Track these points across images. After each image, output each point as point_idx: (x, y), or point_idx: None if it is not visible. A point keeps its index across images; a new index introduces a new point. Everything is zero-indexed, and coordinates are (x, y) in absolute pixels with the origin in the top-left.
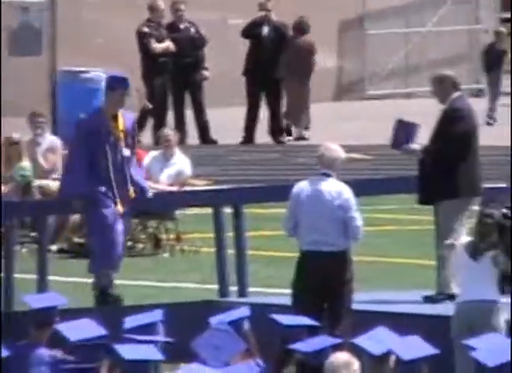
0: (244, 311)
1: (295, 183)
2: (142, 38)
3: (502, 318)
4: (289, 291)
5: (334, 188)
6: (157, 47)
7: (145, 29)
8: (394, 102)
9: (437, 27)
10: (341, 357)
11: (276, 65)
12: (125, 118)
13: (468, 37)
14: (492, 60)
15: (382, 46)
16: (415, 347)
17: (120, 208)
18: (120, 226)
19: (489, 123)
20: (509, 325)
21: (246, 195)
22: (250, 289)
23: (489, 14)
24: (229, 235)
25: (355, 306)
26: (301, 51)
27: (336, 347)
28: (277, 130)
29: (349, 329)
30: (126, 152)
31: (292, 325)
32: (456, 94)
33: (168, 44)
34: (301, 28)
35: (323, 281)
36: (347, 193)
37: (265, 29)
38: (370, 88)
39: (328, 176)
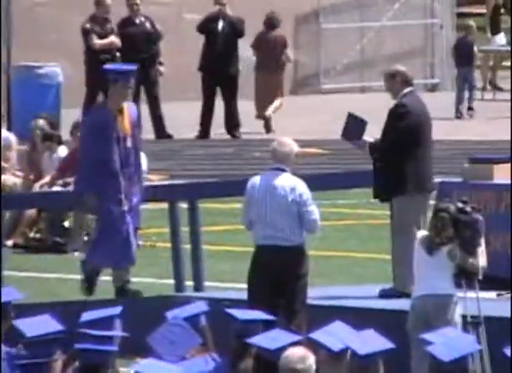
0: (201, 306)
1: (250, 177)
2: (84, 34)
3: (458, 312)
4: (244, 285)
5: (288, 183)
6: (97, 43)
7: (87, 26)
8: (350, 96)
9: (392, 21)
10: (297, 351)
11: (232, 60)
12: (130, 110)
13: (424, 32)
14: (463, 54)
15: (337, 40)
16: (370, 342)
17: (125, 204)
18: (129, 220)
19: (458, 117)
20: (465, 319)
21: (201, 190)
22: (206, 284)
23: (445, 8)
24: (185, 229)
25: (312, 301)
26: (272, 46)
27: (293, 342)
28: (232, 125)
29: (304, 323)
30: (129, 146)
31: (248, 319)
32: (407, 89)
33: (111, 40)
34: (272, 23)
35: (278, 276)
36: (301, 187)
37: (220, 24)
38: (326, 82)
39: (282, 170)
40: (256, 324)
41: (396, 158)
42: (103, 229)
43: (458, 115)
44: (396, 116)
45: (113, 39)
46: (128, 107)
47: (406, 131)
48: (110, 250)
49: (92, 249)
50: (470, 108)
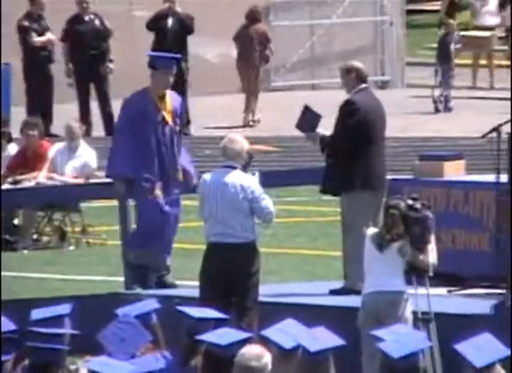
0: (152, 304)
1: (201, 175)
2: (22, 32)
3: (408, 308)
4: (195, 282)
5: (238, 180)
6: (37, 40)
7: (25, 23)
8: (300, 93)
9: (342, 19)
10: (252, 349)
11: (182, 57)
12: (173, 98)
13: (374, 29)
14: (443, 51)
15: (287, 38)
16: (321, 339)
17: (158, 192)
18: (165, 209)
19: (437, 110)
20: (415, 316)
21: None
22: None
23: (395, 6)
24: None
25: (264, 298)
26: (254, 40)
27: (246, 340)
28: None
29: (256, 321)
30: (167, 135)
31: (202, 317)
32: (360, 86)
33: (49, 37)
34: (254, 16)
35: (229, 273)
36: (252, 184)
37: (170, 21)
38: (276, 79)
39: (233, 168)
40: (208, 322)
41: (344, 155)
42: (139, 218)
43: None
44: (345, 112)
45: (50, 36)
46: (171, 95)
47: (354, 128)
48: (146, 240)
49: (131, 239)
50: (446, 107)
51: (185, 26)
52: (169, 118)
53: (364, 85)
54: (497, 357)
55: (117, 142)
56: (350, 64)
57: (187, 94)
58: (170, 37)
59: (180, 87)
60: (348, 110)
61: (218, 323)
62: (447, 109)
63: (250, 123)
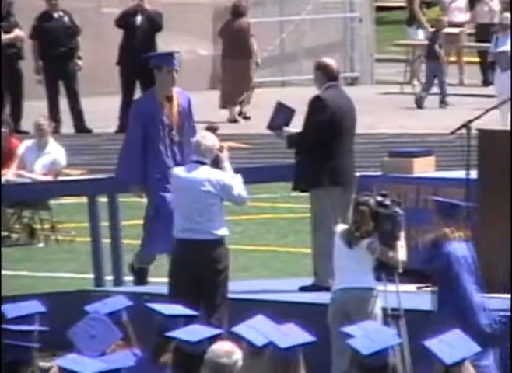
0: (122, 301)
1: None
2: None
3: (378, 305)
4: (165, 279)
5: (208, 176)
6: (5, 37)
7: None
8: (270, 90)
9: (312, 15)
10: (222, 346)
11: (149, 49)
12: (181, 97)
13: (343, 26)
14: (432, 49)
15: (257, 34)
16: (291, 335)
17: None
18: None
19: (419, 107)
20: (385, 312)
21: (121, 184)
22: (126, 278)
23: (364, 2)
24: (105, 224)
25: (234, 295)
26: (238, 34)
27: (216, 336)
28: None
29: (225, 317)
30: (176, 137)
31: (171, 314)
32: (330, 83)
33: (17, 34)
34: (239, 11)
35: (198, 270)
36: (220, 177)
37: (138, 18)
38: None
39: (203, 163)
40: (178, 319)
41: (312, 151)
42: (151, 219)
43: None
44: (312, 109)
45: (19, 32)
46: (179, 95)
47: (322, 124)
48: (163, 237)
49: (148, 240)
50: (443, 102)
51: (154, 23)
52: (176, 118)
53: (333, 83)
54: (467, 353)
55: (126, 145)
56: (321, 61)
57: None
58: (139, 34)
59: (151, 84)
60: (315, 107)
61: (187, 320)
62: (444, 104)
63: (238, 118)
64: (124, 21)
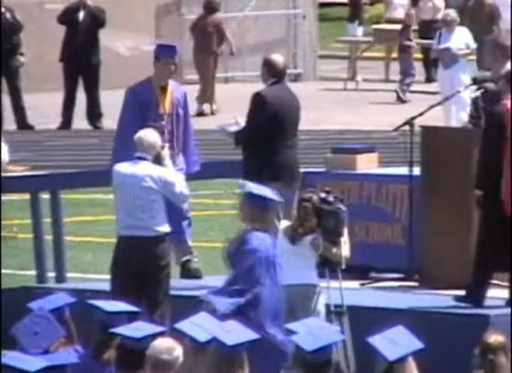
0: (65, 298)
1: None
2: None
3: (321, 301)
4: (107, 276)
5: (149, 172)
6: None
7: None
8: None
9: (255, 12)
10: (163, 342)
11: (93, 50)
12: (175, 90)
13: (286, 22)
14: (403, 43)
15: None
16: (236, 332)
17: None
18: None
19: (401, 100)
20: (328, 309)
21: (63, 181)
22: (69, 275)
23: None
24: (47, 220)
25: (176, 291)
26: (210, 29)
27: (160, 333)
28: (95, 116)
29: (168, 314)
30: (168, 126)
31: (114, 311)
32: (274, 79)
33: None
34: (212, 6)
35: (140, 266)
36: (162, 173)
37: (81, 14)
38: (189, 72)
39: (145, 159)
40: (121, 315)
41: (253, 147)
42: None
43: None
44: (252, 105)
45: None
46: (174, 86)
47: (262, 121)
48: None
49: None
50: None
51: (96, 19)
52: (168, 108)
53: (278, 79)
54: (410, 350)
55: (118, 131)
56: (267, 57)
57: (98, 87)
58: (82, 30)
59: (94, 80)
60: (255, 103)
61: (130, 316)
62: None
63: (211, 113)
64: (67, 17)
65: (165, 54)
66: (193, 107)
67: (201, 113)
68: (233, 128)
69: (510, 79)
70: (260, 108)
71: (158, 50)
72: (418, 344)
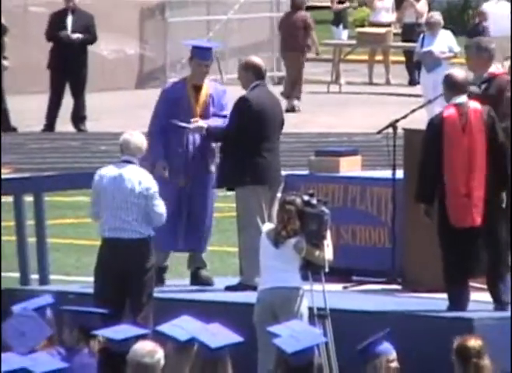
0: (47, 299)
1: (96, 170)
2: None
3: (304, 304)
4: (90, 278)
5: (135, 175)
6: None
7: None
8: None
9: (239, 15)
10: (145, 345)
11: (82, 56)
12: (212, 89)
13: (270, 25)
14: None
15: (183, 33)
16: (219, 335)
17: (181, 183)
18: (185, 204)
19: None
20: (311, 311)
21: (47, 183)
22: (52, 277)
23: (290, 2)
24: (31, 223)
25: (159, 294)
26: (296, 27)
27: (140, 335)
28: (79, 119)
29: (151, 316)
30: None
31: (87, 311)
32: (256, 82)
33: None
34: (298, 4)
35: (124, 269)
36: (148, 180)
37: (69, 20)
38: (172, 76)
39: (130, 162)
40: (97, 317)
41: (235, 150)
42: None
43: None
44: (237, 109)
45: None
46: (210, 86)
47: (246, 125)
48: (170, 232)
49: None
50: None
51: (86, 26)
52: (200, 109)
53: (258, 82)
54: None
55: (149, 128)
56: (247, 61)
57: (84, 91)
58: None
59: (81, 84)
60: (240, 107)
61: (109, 319)
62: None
63: (295, 110)
64: (54, 27)
65: (198, 55)
66: None
67: (291, 109)
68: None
69: (450, 84)
70: (244, 112)
71: (193, 50)
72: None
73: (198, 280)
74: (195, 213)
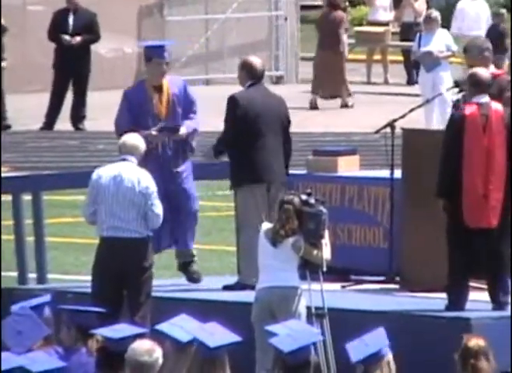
0: (45, 297)
1: (94, 169)
2: None
3: (302, 304)
4: (88, 277)
5: (134, 175)
6: None
7: None
8: (195, 88)
9: (237, 14)
10: (143, 344)
11: (85, 56)
12: (171, 86)
13: (268, 24)
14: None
15: (182, 32)
16: (218, 334)
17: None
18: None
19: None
20: (309, 311)
21: (45, 182)
22: (50, 276)
23: (289, 1)
24: (29, 222)
25: (157, 293)
26: (334, 25)
27: (138, 334)
28: (78, 118)
29: (149, 316)
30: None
31: (85, 310)
32: (252, 81)
33: None
34: (335, 3)
35: (122, 268)
36: (147, 180)
37: (71, 20)
38: (171, 74)
39: (130, 162)
40: (95, 316)
41: (231, 150)
42: None
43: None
44: (227, 108)
45: None
46: (170, 82)
47: (236, 123)
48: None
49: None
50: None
51: (87, 24)
52: (163, 108)
53: (256, 81)
54: (377, 347)
55: (115, 132)
56: (244, 60)
57: (86, 92)
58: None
59: (83, 84)
60: (229, 106)
61: (107, 318)
62: None
63: (349, 105)
64: (57, 27)
65: (156, 54)
66: None
67: (345, 105)
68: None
69: (474, 83)
70: (232, 111)
71: (148, 51)
72: (384, 341)
73: (186, 273)
74: (178, 210)
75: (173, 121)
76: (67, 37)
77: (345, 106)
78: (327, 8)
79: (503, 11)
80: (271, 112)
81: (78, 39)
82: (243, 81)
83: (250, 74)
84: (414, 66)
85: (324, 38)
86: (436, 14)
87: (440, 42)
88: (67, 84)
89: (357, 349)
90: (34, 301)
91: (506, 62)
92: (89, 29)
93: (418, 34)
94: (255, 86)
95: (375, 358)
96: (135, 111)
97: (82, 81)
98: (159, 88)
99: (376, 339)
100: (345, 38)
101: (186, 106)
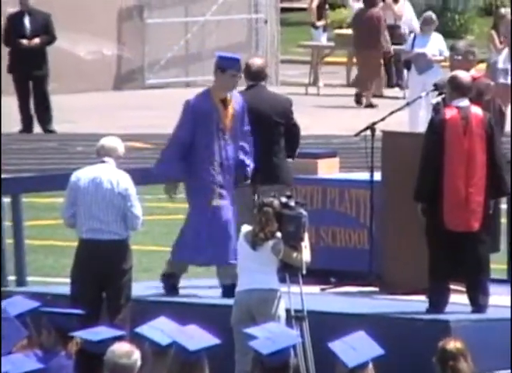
0: (26, 302)
1: (73, 171)
2: None
3: (282, 306)
4: (68, 280)
5: (113, 176)
6: None
7: None
8: (175, 91)
9: (217, 16)
10: (122, 346)
11: (41, 56)
12: (234, 101)
13: (248, 26)
14: None
15: (162, 35)
16: (197, 337)
17: (214, 202)
18: (219, 216)
19: None
20: (289, 313)
21: (24, 184)
22: (30, 278)
23: (269, 3)
24: (9, 224)
25: (137, 296)
26: (371, 24)
27: (118, 337)
28: (45, 120)
29: (128, 318)
30: (228, 141)
31: (65, 313)
32: (250, 83)
33: None
34: (372, 1)
35: (102, 270)
36: (127, 181)
37: (27, 21)
38: (150, 77)
39: (108, 164)
40: (74, 318)
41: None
42: (188, 222)
43: None
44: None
45: None
46: (234, 98)
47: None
48: (192, 245)
49: (177, 244)
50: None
51: (43, 25)
52: (228, 122)
53: (254, 83)
54: (370, 356)
55: (171, 141)
56: (247, 61)
57: (48, 92)
58: (29, 38)
59: (43, 85)
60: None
61: (86, 320)
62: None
63: (372, 104)
64: (11, 38)
65: (232, 66)
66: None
67: (369, 105)
68: None
69: (454, 86)
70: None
71: (224, 62)
72: (378, 350)
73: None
74: (219, 226)
75: (233, 138)
76: (24, 41)
77: (369, 105)
78: (363, 5)
79: (503, 12)
80: (264, 113)
81: (36, 41)
82: (244, 82)
83: (249, 75)
84: (405, 66)
85: (359, 37)
86: (434, 16)
87: (434, 45)
88: (28, 85)
89: (348, 354)
90: (12, 302)
91: (484, 65)
92: (46, 31)
93: (413, 35)
94: (256, 87)
95: (362, 365)
96: (199, 121)
97: (41, 83)
98: (223, 101)
99: (369, 347)
100: (386, 34)
101: (241, 127)
